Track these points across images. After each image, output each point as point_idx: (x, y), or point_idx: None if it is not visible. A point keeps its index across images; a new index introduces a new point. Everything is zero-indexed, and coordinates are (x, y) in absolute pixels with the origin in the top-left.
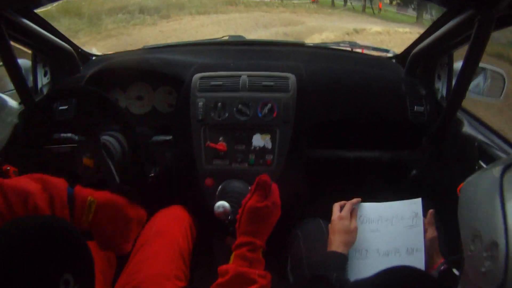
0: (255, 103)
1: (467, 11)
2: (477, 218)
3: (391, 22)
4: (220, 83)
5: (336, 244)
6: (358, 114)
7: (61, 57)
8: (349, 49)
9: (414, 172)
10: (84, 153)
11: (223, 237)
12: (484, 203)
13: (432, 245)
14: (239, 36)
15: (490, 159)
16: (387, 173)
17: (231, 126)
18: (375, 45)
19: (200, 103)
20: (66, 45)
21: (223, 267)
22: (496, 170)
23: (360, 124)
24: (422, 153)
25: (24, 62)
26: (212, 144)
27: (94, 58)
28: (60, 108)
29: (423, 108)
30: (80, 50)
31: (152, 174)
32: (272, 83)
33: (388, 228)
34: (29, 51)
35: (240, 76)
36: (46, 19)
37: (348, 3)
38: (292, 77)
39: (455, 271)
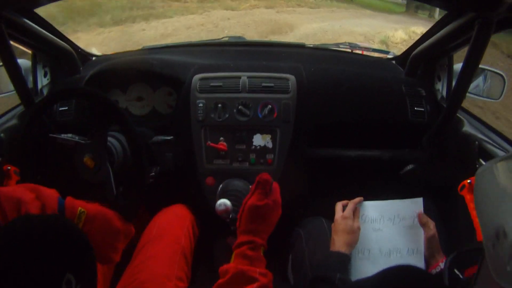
0: (255, 104)
1: (467, 14)
2: (499, 213)
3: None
4: (220, 84)
5: (339, 244)
6: (358, 115)
7: (61, 57)
8: (349, 50)
9: (409, 166)
10: (86, 152)
11: (224, 236)
12: (507, 196)
13: (432, 244)
14: (239, 37)
15: (490, 157)
16: (388, 171)
17: (231, 127)
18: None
19: (200, 104)
20: (66, 45)
21: (223, 267)
22: None
23: (360, 124)
24: (422, 152)
25: (24, 62)
26: (212, 144)
27: (94, 58)
28: (60, 109)
29: (423, 108)
30: (80, 50)
31: (153, 174)
32: (272, 84)
33: (390, 228)
34: (29, 51)
35: (240, 77)
36: (46, 19)
37: None
38: (292, 78)
39: (456, 271)
